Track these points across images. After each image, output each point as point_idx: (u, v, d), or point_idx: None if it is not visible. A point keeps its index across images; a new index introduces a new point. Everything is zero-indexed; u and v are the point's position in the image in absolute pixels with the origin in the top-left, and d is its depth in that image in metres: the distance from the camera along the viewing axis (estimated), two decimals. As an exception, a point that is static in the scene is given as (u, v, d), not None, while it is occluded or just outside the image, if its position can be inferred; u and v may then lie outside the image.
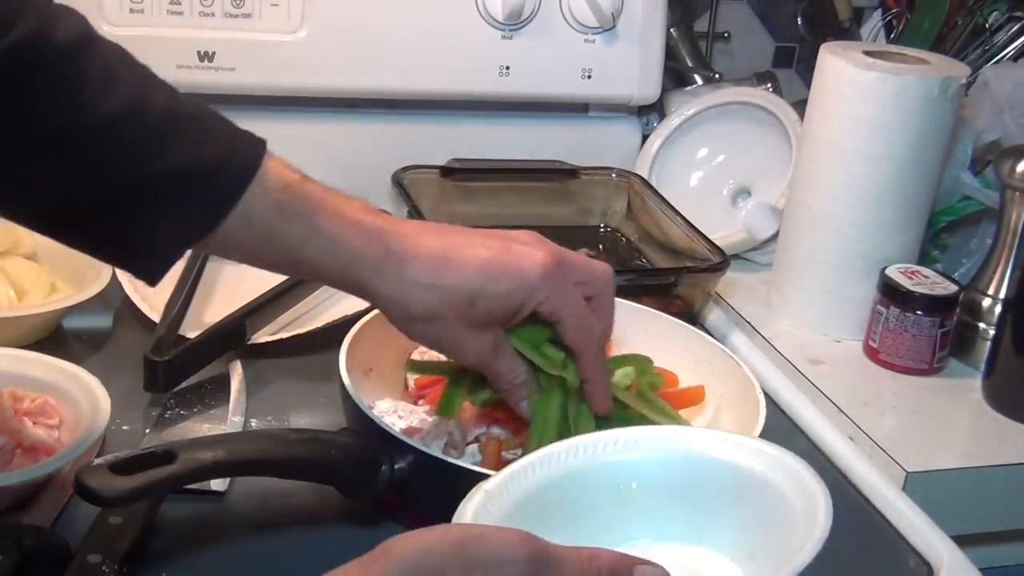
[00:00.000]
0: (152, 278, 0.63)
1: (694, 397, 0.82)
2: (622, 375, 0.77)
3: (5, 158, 0.57)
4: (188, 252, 0.64)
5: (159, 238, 0.60)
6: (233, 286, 0.97)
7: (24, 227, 0.63)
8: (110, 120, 0.57)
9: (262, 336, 0.89)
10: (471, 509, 0.53)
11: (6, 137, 0.56)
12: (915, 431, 0.88)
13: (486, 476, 0.64)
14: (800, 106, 1.07)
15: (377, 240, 0.63)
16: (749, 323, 1.03)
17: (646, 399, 0.74)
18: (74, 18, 0.58)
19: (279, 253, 0.63)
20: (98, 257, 0.64)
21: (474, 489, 0.55)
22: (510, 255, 0.64)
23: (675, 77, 1.32)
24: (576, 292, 0.67)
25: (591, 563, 0.47)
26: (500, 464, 0.68)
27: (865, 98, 0.94)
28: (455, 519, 0.53)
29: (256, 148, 0.61)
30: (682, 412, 0.80)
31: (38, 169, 0.57)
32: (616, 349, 0.85)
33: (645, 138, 1.22)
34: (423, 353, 0.80)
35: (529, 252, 0.65)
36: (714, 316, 1.02)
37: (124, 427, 0.77)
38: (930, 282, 0.95)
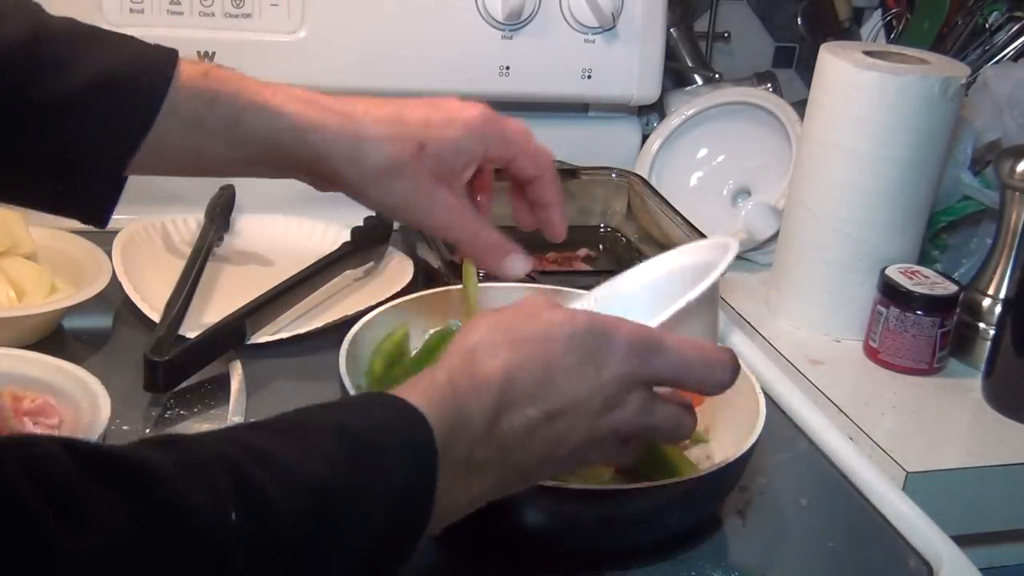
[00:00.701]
0: (100, 214, 0.60)
1: (694, 398, 0.81)
2: None
3: None
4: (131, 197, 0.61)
5: (96, 157, 0.58)
6: (233, 286, 0.97)
7: None
8: (11, 44, 0.56)
9: (262, 336, 0.89)
10: None
11: None
12: (915, 431, 0.88)
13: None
14: (800, 106, 1.07)
15: (316, 104, 0.62)
16: (749, 323, 1.03)
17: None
18: None
19: (219, 142, 0.61)
20: (37, 203, 0.61)
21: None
22: (447, 110, 0.65)
23: (675, 77, 1.32)
24: (515, 123, 0.68)
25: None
26: None
27: (865, 98, 0.94)
28: None
29: (169, 50, 0.61)
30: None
31: None
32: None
33: (645, 138, 1.22)
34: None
35: (463, 106, 0.66)
36: (714, 316, 1.02)
37: (124, 427, 0.77)
38: (930, 282, 0.95)
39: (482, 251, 0.68)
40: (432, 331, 0.84)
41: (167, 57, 0.60)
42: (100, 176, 0.59)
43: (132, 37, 0.60)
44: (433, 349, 0.81)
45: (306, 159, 0.63)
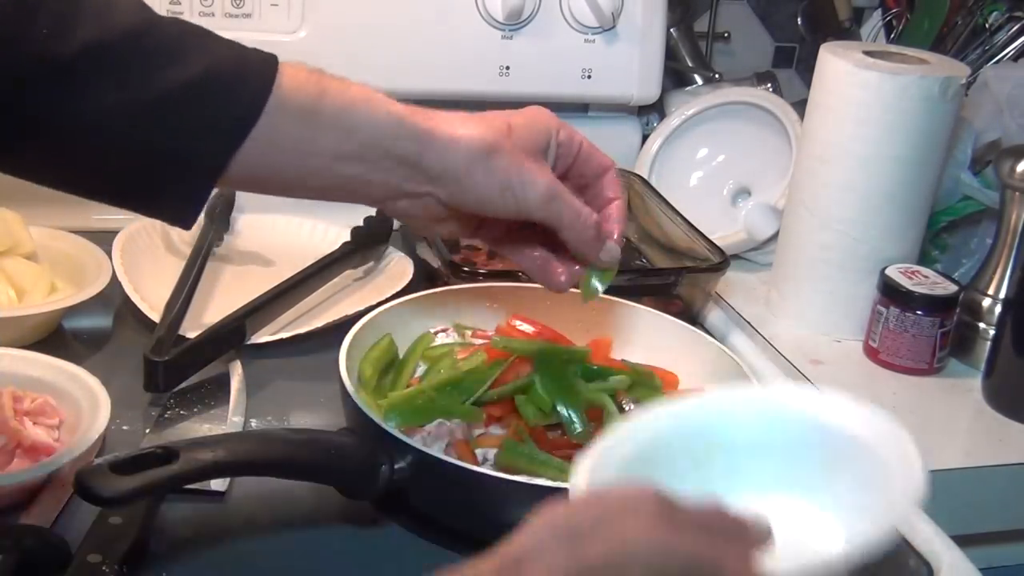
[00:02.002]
0: (186, 213, 0.60)
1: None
2: (616, 382, 0.77)
3: (19, 96, 0.55)
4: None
5: (197, 150, 0.58)
6: (233, 286, 0.97)
7: (48, 183, 0.59)
8: (123, 34, 0.56)
9: (262, 336, 0.89)
10: (584, 469, 0.53)
11: (16, 69, 0.54)
12: (915, 431, 0.87)
13: (486, 477, 0.64)
14: (800, 106, 1.07)
15: (403, 106, 0.64)
16: (749, 323, 1.03)
17: None
18: None
19: (325, 135, 0.61)
20: (124, 198, 0.61)
21: (585, 454, 0.54)
22: (510, 111, 0.67)
23: (675, 77, 1.32)
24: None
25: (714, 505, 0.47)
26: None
27: (865, 98, 0.94)
28: (571, 484, 0.52)
29: (270, 53, 0.61)
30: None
31: (57, 98, 0.55)
32: (616, 349, 0.85)
33: (645, 138, 1.22)
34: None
35: (526, 108, 0.68)
36: (714, 316, 1.02)
37: (124, 427, 0.77)
38: (930, 282, 0.95)
39: (583, 229, 0.68)
40: (432, 331, 0.84)
41: (271, 56, 0.60)
42: (197, 171, 0.59)
43: (235, 41, 0.61)
44: (414, 350, 0.81)
45: (413, 151, 0.63)
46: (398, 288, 0.95)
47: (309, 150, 0.61)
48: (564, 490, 0.64)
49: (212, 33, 0.60)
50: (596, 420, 0.74)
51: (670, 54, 1.26)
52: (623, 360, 0.83)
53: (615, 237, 0.70)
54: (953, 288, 0.95)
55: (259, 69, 0.59)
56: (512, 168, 0.64)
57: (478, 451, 0.72)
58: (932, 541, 0.74)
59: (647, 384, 0.79)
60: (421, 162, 0.63)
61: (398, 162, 0.63)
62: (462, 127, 0.64)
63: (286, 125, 0.59)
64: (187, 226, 0.61)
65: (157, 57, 0.57)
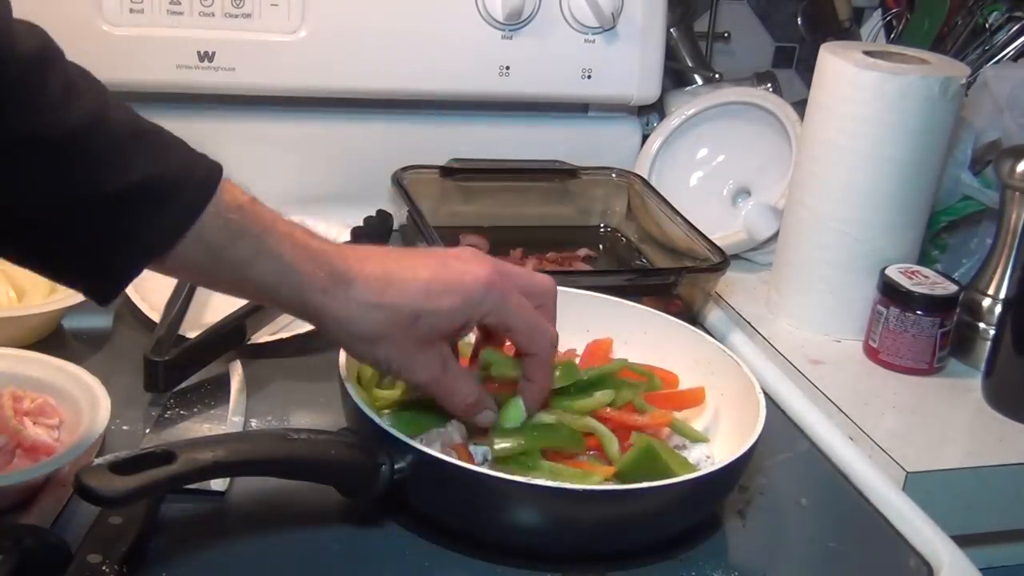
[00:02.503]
0: (105, 298, 0.62)
1: (694, 398, 0.82)
2: (602, 396, 0.77)
3: None
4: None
5: (120, 253, 0.60)
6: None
7: None
8: (72, 132, 0.57)
9: (262, 336, 0.89)
10: None
11: None
12: (915, 431, 0.88)
13: (486, 477, 0.64)
14: (800, 106, 1.07)
15: (323, 262, 0.64)
16: (749, 323, 1.03)
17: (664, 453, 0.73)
18: (36, 32, 0.57)
19: (227, 272, 0.63)
20: (49, 275, 0.63)
21: None
22: (450, 273, 0.66)
23: (675, 77, 1.32)
24: (521, 299, 0.69)
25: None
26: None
27: (865, 98, 0.94)
28: None
29: (213, 167, 0.62)
30: (683, 413, 0.81)
31: (1, 180, 0.56)
32: (616, 349, 0.85)
33: (645, 138, 1.22)
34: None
35: (469, 269, 0.67)
36: (714, 316, 1.02)
37: (124, 427, 0.77)
38: (930, 282, 0.95)
39: (456, 409, 0.70)
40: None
41: (209, 180, 0.61)
42: (118, 272, 0.61)
43: (183, 145, 0.61)
44: None
45: (299, 313, 0.66)
46: (398, 288, 0.95)
47: (208, 277, 0.64)
48: (564, 490, 0.64)
49: (162, 136, 0.61)
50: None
51: (670, 54, 1.26)
52: (622, 360, 0.83)
53: (528, 411, 0.72)
54: (953, 288, 0.95)
55: (193, 191, 0.60)
56: (394, 356, 0.66)
57: (477, 449, 0.72)
58: (932, 541, 0.74)
59: (633, 386, 0.79)
60: (307, 321, 0.67)
61: (289, 311, 0.67)
62: (358, 310, 0.64)
63: (193, 254, 0.61)
64: (103, 304, 0.63)
65: (96, 161, 0.58)
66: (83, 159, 0.57)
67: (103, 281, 0.61)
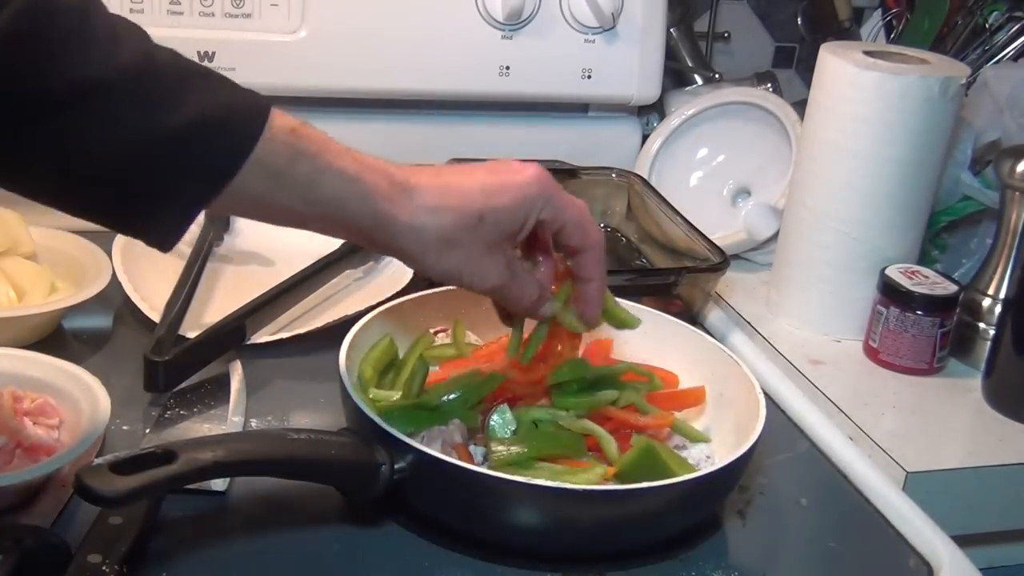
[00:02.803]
0: (167, 241, 0.62)
1: (694, 398, 0.82)
2: (605, 395, 0.77)
3: (22, 125, 0.56)
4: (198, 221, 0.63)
5: (180, 191, 0.60)
6: (233, 286, 0.97)
7: (40, 200, 0.60)
8: (124, 74, 0.57)
9: (262, 336, 0.89)
10: None
11: (21, 100, 0.55)
12: (915, 431, 0.88)
13: (486, 477, 0.64)
14: (800, 106, 1.07)
15: (383, 173, 0.65)
16: (749, 323, 1.03)
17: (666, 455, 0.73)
18: None
19: (290, 195, 0.62)
20: (111, 223, 0.62)
21: None
22: (501, 175, 0.68)
23: (675, 77, 1.32)
24: (568, 195, 0.70)
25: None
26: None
27: (865, 98, 0.94)
28: None
29: (261, 98, 0.62)
30: (683, 413, 0.81)
31: (55, 131, 0.56)
32: (616, 349, 0.85)
33: (645, 138, 1.22)
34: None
35: (517, 169, 0.68)
36: (714, 316, 1.02)
37: (124, 427, 0.77)
38: (930, 282, 0.95)
39: (523, 307, 0.72)
40: (432, 331, 0.84)
41: (260, 107, 0.61)
42: (177, 210, 0.61)
43: (229, 81, 0.62)
44: (414, 350, 0.81)
45: (368, 226, 0.65)
46: (398, 288, 0.95)
47: (273, 204, 0.63)
48: (564, 490, 0.64)
49: (210, 74, 0.61)
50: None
51: (670, 54, 1.26)
52: (626, 364, 0.83)
53: (587, 318, 0.74)
54: (953, 288, 0.95)
55: (245, 122, 0.61)
56: (464, 262, 0.67)
57: (477, 449, 0.72)
58: (932, 541, 0.74)
59: (636, 387, 0.79)
60: (376, 239, 0.66)
61: (357, 232, 0.66)
62: (425, 215, 0.65)
63: (254, 181, 0.61)
64: (165, 250, 0.63)
65: (151, 99, 0.58)
66: (137, 100, 0.57)
67: (167, 222, 0.61)
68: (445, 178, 0.67)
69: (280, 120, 0.62)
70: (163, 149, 0.58)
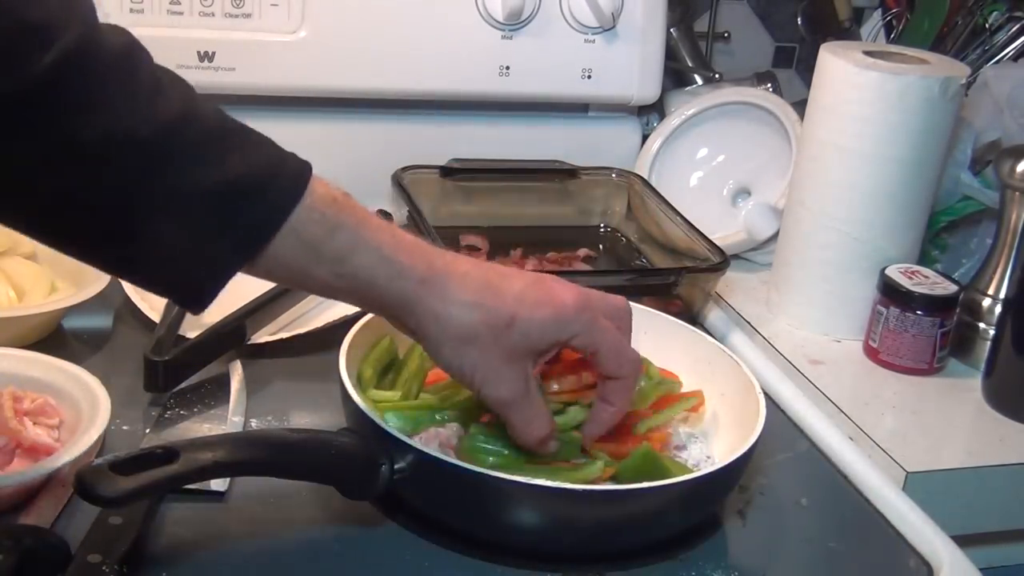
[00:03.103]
0: (199, 303, 0.60)
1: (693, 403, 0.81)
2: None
3: (61, 172, 0.54)
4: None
5: (215, 253, 0.58)
6: (233, 286, 0.97)
7: (68, 254, 0.60)
8: (164, 128, 0.55)
9: (262, 336, 0.89)
10: None
11: (61, 148, 0.53)
12: (915, 431, 0.88)
13: (486, 477, 0.64)
14: (800, 106, 1.07)
15: (420, 255, 0.63)
16: (749, 323, 1.03)
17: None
18: (121, 31, 0.57)
19: (324, 267, 0.61)
20: (141, 282, 0.61)
21: None
22: (543, 288, 0.66)
23: (675, 77, 1.32)
24: (608, 322, 0.67)
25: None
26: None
27: (865, 98, 0.94)
28: None
29: (304, 163, 0.61)
30: (682, 414, 0.81)
31: (93, 179, 0.55)
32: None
33: (645, 138, 1.22)
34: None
35: (559, 288, 0.66)
36: (714, 316, 1.02)
37: (124, 427, 0.77)
38: (930, 282, 0.95)
39: (528, 437, 0.68)
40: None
41: (301, 172, 0.60)
42: (206, 272, 0.59)
43: (271, 141, 0.61)
44: (414, 349, 0.81)
45: (395, 306, 0.64)
46: (398, 288, 0.95)
47: (307, 274, 0.62)
48: (564, 490, 0.64)
49: (252, 133, 0.60)
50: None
51: (670, 54, 1.26)
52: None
53: (587, 437, 0.71)
54: (953, 288, 0.95)
55: (285, 187, 0.59)
56: (480, 363, 0.64)
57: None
58: (932, 541, 0.74)
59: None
60: (402, 319, 0.65)
61: (384, 309, 0.65)
62: (455, 306, 0.63)
63: (290, 248, 0.60)
64: (196, 312, 0.62)
65: (190, 157, 0.57)
66: (175, 156, 0.56)
67: (198, 284, 0.60)
68: (485, 273, 0.65)
69: (321, 188, 0.61)
70: (197, 209, 0.57)
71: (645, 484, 0.67)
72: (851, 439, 0.85)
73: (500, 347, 0.64)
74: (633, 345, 0.85)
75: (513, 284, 0.65)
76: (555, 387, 0.73)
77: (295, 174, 0.60)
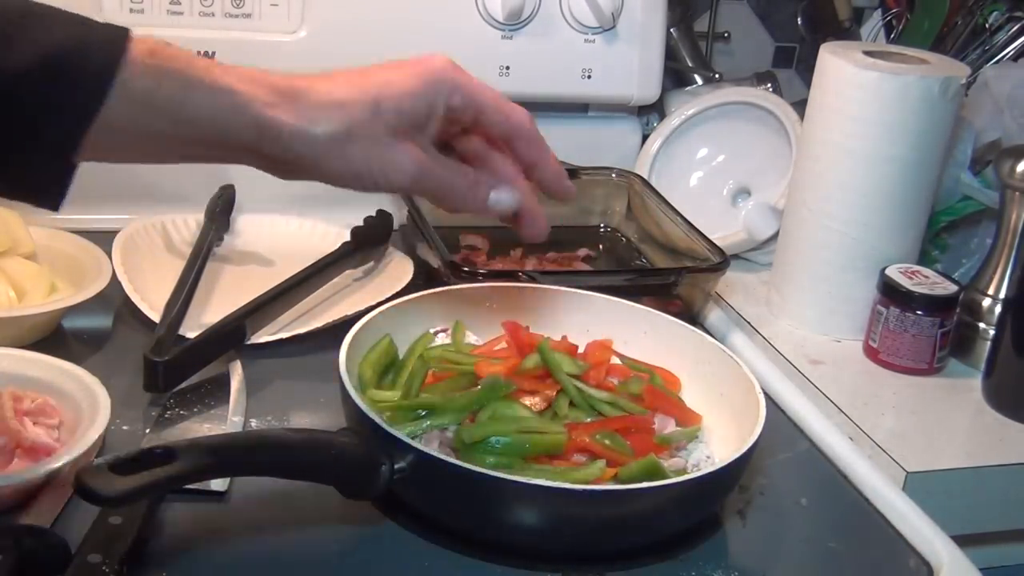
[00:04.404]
0: (51, 196, 0.57)
1: (693, 418, 0.80)
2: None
3: None
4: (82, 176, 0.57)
5: (45, 134, 0.55)
6: (233, 286, 0.97)
7: None
8: None
9: (262, 336, 0.89)
10: None
11: None
12: (915, 431, 0.88)
13: (486, 477, 0.64)
14: (800, 106, 1.07)
15: (263, 83, 0.60)
16: (749, 323, 1.03)
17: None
18: None
19: (162, 119, 0.58)
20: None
21: None
22: (409, 63, 0.63)
23: (675, 77, 1.32)
24: (482, 82, 0.65)
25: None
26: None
27: (865, 98, 0.94)
28: None
29: (119, 29, 0.58)
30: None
31: None
32: (616, 349, 0.85)
33: (645, 138, 1.22)
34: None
35: (428, 57, 0.64)
36: (714, 316, 1.02)
37: (124, 427, 0.77)
38: (930, 282, 0.95)
39: (462, 196, 0.66)
40: (432, 331, 0.84)
41: (117, 35, 0.57)
42: (49, 158, 0.57)
43: (80, 16, 0.58)
44: (414, 350, 0.82)
45: (252, 139, 0.60)
46: (398, 288, 0.95)
47: (148, 135, 0.59)
48: (564, 490, 0.64)
49: (57, 11, 0.57)
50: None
51: (670, 54, 1.26)
52: (625, 359, 0.83)
53: (562, 193, 0.68)
54: (953, 288, 0.95)
55: (104, 50, 0.56)
56: (369, 157, 0.61)
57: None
58: (932, 541, 0.74)
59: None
60: (266, 152, 0.61)
61: (242, 149, 0.61)
62: (314, 112, 0.60)
63: (123, 110, 0.57)
64: (54, 207, 0.58)
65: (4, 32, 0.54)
66: None
67: (42, 172, 0.57)
68: (336, 77, 0.62)
69: (138, 45, 0.57)
70: (15, 94, 0.54)
71: (645, 484, 0.67)
72: (851, 439, 0.85)
73: (378, 132, 0.61)
74: (633, 345, 0.85)
75: (369, 71, 0.63)
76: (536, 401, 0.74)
77: (109, 40, 0.57)
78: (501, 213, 0.69)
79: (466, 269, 0.93)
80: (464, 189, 0.66)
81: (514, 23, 1.12)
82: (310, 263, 0.96)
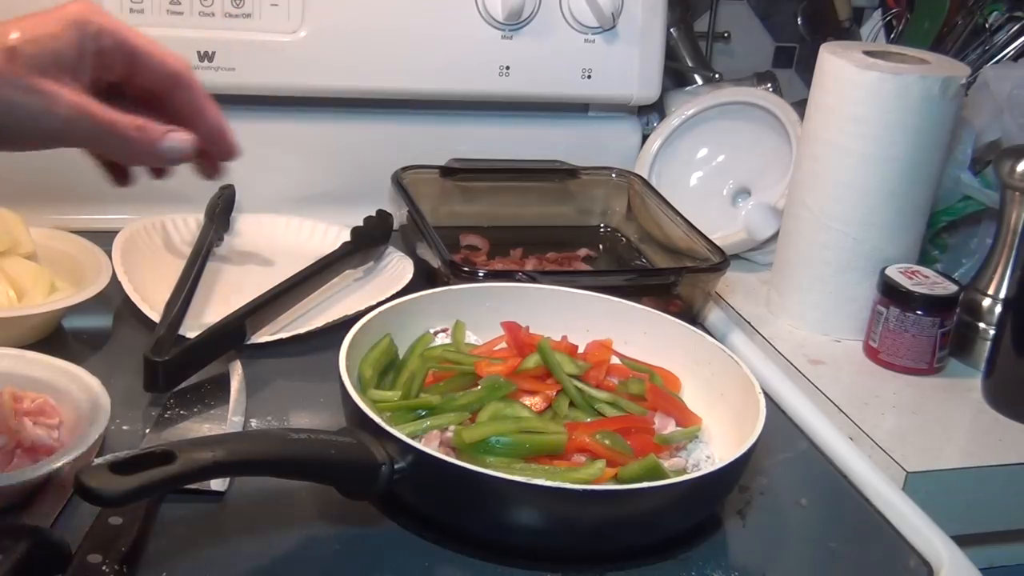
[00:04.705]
0: None
1: (692, 420, 0.80)
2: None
3: None
4: None
5: None
6: (233, 286, 0.97)
7: None
8: None
9: (262, 336, 0.89)
10: None
11: None
12: (915, 431, 0.88)
13: (486, 477, 0.64)
14: (800, 106, 1.08)
15: None
16: (749, 323, 1.03)
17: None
18: None
19: None
20: None
21: None
22: (50, 12, 0.59)
23: (675, 77, 1.32)
24: (134, 29, 0.62)
25: None
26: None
27: (865, 98, 0.94)
28: None
29: None
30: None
31: None
32: (616, 349, 0.85)
33: (645, 138, 1.22)
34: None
35: (64, 4, 0.60)
36: (714, 316, 1.02)
37: (124, 427, 0.77)
38: (930, 282, 0.95)
39: (130, 142, 0.61)
40: (432, 331, 0.84)
41: None
42: None
43: None
44: (414, 350, 0.82)
45: None
46: (398, 288, 0.95)
47: None
48: (564, 490, 0.64)
49: None
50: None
51: (670, 54, 1.26)
52: (625, 359, 0.83)
53: (179, 131, 0.63)
54: (953, 288, 0.95)
55: None
56: (14, 98, 0.57)
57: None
58: (932, 541, 0.74)
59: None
60: None
61: None
62: None
63: None
64: None
65: None
66: None
67: None
68: None
69: None
70: None
71: (645, 484, 0.67)
72: (851, 439, 0.85)
73: (21, 76, 0.57)
74: (633, 345, 0.85)
75: (10, 21, 0.58)
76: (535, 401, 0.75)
77: None
78: (177, 158, 0.64)
79: (466, 269, 0.93)
80: (131, 132, 0.61)
81: (514, 23, 1.12)
82: (310, 263, 0.96)
